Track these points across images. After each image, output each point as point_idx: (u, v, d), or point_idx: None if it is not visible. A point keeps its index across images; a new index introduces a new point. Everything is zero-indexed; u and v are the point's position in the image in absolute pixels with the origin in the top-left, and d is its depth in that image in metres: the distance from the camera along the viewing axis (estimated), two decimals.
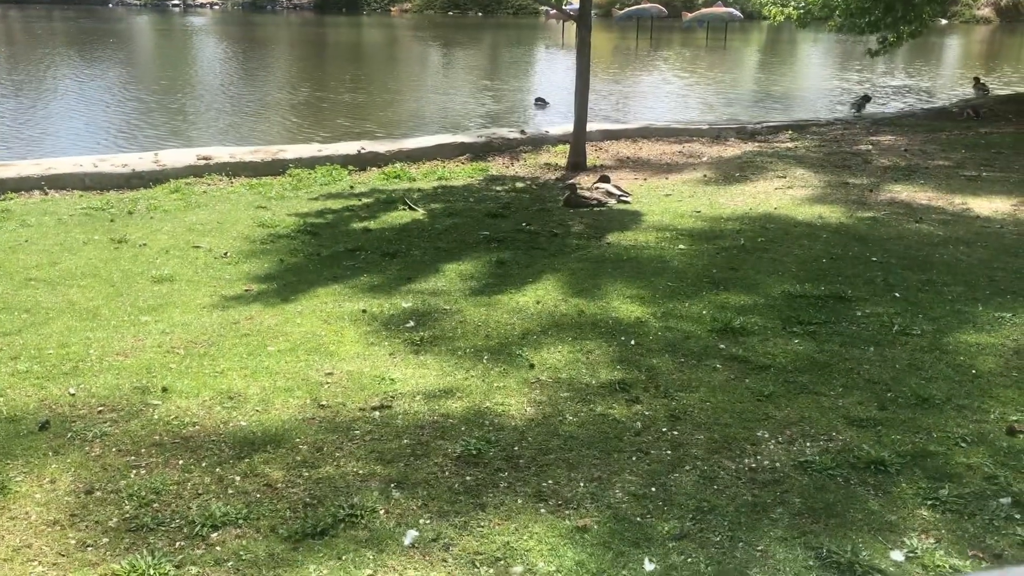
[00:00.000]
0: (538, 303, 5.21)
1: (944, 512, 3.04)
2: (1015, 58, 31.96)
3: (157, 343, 4.59)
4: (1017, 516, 3.02)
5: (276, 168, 9.65)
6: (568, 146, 10.28)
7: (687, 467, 3.34)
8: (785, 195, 8.45)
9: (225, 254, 6.33)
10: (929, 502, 3.10)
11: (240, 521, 2.96)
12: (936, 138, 12.20)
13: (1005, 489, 3.18)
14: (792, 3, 17.89)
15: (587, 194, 8.07)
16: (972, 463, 3.37)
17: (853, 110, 15.77)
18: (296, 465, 3.35)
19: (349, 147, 10.52)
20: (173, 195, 8.48)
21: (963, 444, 3.52)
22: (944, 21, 47.63)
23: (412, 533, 2.90)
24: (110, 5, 55.00)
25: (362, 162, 10.14)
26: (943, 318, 4.99)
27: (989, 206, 7.98)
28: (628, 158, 10.68)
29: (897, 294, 5.40)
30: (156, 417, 3.74)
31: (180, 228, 7.08)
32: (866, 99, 16.37)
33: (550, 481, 3.24)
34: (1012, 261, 6.16)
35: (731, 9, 39.29)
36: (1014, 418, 3.74)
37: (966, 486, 3.20)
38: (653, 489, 3.18)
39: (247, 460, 3.38)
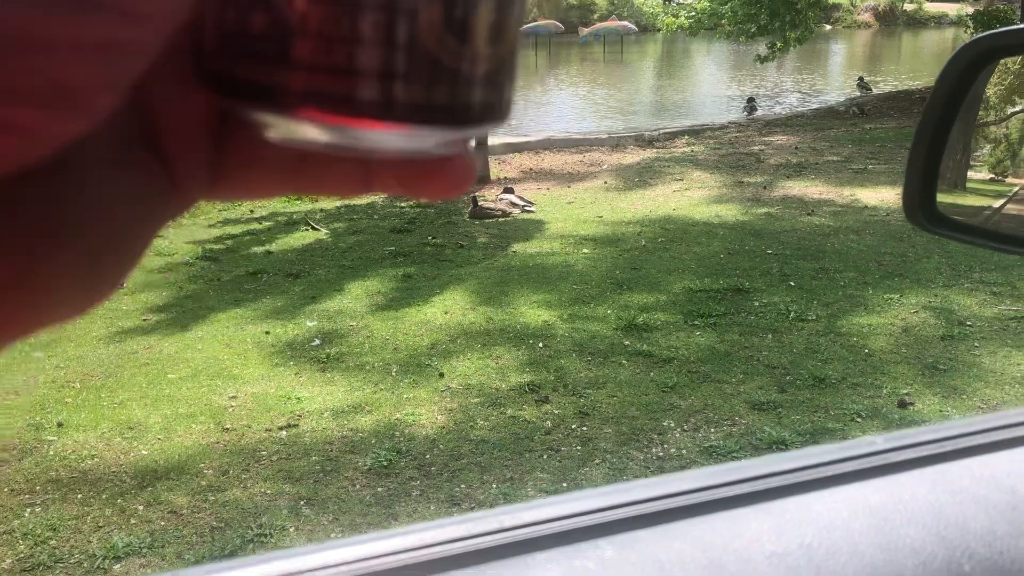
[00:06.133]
0: (446, 313, 5.21)
1: None
2: (894, 59, 33.51)
3: (51, 379, 4.42)
4: None
5: None
6: None
7: (597, 460, 3.39)
8: (683, 197, 8.65)
9: (121, 285, 6.14)
10: None
11: (144, 550, 2.87)
12: (825, 135, 12.68)
13: None
14: (683, 13, 18.43)
15: (491, 205, 8.12)
16: None
17: (745, 113, 16.26)
18: (201, 490, 3.26)
19: None
20: None
21: (858, 419, 3.66)
22: (828, 27, 49.62)
23: None
24: None
25: None
26: (836, 303, 5.18)
27: (876, 196, 8.32)
28: (531, 169, 10.79)
29: (792, 283, 5.58)
30: (51, 453, 3.60)
31: None
32: (751, 101, 16.77)
33: (463, 485, 3.24)
34: (898, 246, 6.44)
35: (625, 22, 40.22)
36: (904, 391, 3.91)
37: None
38: (564, 484, 3.21)
39: (150, 489, 3.28)
